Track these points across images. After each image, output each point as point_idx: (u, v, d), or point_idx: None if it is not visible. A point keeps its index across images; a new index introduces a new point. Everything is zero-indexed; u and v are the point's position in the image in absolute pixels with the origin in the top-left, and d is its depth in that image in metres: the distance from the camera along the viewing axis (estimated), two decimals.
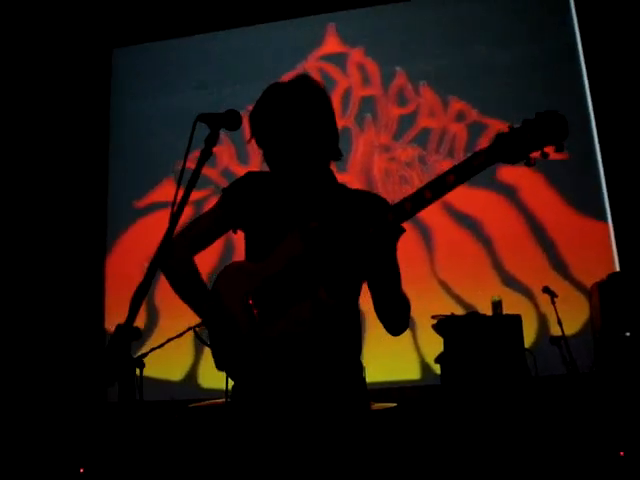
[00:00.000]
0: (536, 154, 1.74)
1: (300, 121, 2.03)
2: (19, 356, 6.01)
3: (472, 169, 1.76)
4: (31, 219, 6.59)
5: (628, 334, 4.19)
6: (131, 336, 1.62)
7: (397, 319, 2.07)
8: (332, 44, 6.83)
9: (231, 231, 2.19)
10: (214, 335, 2.03)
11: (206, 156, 1.79)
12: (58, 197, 6.75)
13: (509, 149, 1.74)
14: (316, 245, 1.90)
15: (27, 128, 6.78)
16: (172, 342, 4.12)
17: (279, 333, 1.89)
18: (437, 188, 1.79)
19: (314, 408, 1.96)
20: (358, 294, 2.10)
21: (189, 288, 2.11)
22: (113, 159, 7.01)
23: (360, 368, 2.11)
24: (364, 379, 2.12)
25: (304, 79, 2.14)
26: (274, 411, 1.96)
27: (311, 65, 6.79)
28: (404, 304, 2.06)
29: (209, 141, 1.80)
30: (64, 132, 6.91)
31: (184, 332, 3.97)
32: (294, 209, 2.07)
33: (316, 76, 7.20)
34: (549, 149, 1.73)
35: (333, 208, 2.07)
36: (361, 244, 1.82)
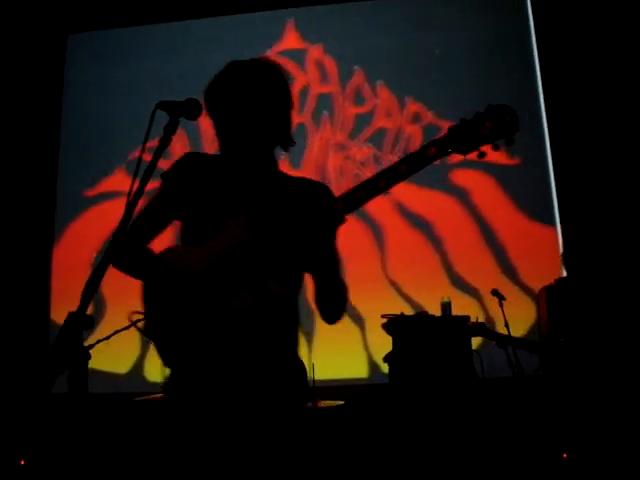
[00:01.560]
0: (487, 147, 1.76)
1: (260, 100, 2.00)
2: None
3: (424, 159, 1.77)
4: None
5: (570, 339, 4.27)
6: (83, 324, 1.58)
7: (336, 307, 2.08)
8: (291, 40, 6.81)
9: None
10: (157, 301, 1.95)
11: (165, 144, 1.76)
12: (4, 183, 6.58)
13: (460, 140, 1.75)
14: (263, 232, 1.86)
15: None
16: (119, 334, 4.05)
17: (219, 321, 1.85)
18: (389, 177, 1.80)
19: (247, 404, 1.92)
20: (300, 285, 2.09)
21: (139, 262, 2.03)
22: (63, 147, 6.87)
23: (299, 362, 2.10)
24: (305, 374, 2.12)
25: (269, 61, 2.13)
26: (206, 405, 1.92)
27: None
28: (343, 292, 2.07)
29: (168, 129, 1.77)
30: (12, 118, 6.74)
31: (130, 325, 3.90)
32: (237, 193, 2.02)
33: None
34: (499, 142, 1.75)
35: (278, 195, 2.03)
36: (310, 232, 1.81)
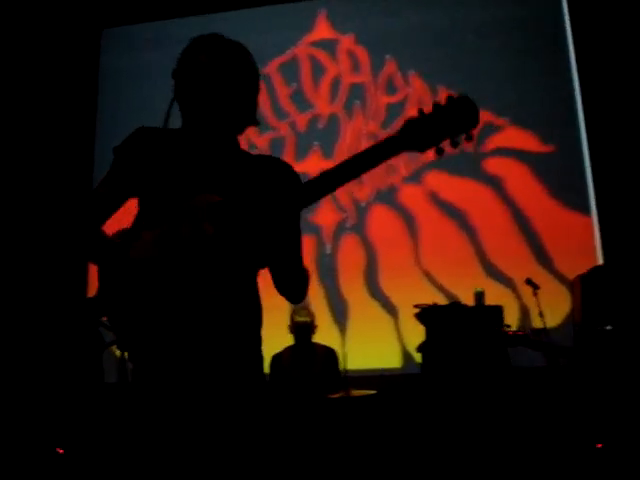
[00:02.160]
0: (446, 142, 1.65)
1: (227, 76, 1.92)
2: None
3: (380, 156, 1.68)
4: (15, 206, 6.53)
5: (608, 328, 4.21)
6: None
7: (299, 289, 1.99)
8: (323, 30, 6.80)
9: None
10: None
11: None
12: (42, 171, 6.69)
13: (418, 136, 1.65)
14: (221, 222, 1.80)
15: (13, 109, 6.71)
16: None
17: (173, 311, 1.79)
18: (342, 174, 1.70)
19: (198, 396, 1.84)
20: (255, 276, 1.98)
21: (90, 248, 1.96)
22: (101, 138, 6.97)
23: (258, 358, 1.99)
24: (262, 371, 2.01)
25: (235, 42, 2.02)
26: (161, 394, 1.85)
27: (301, 50, 6.77)
28: (305, 275, 1.99)
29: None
30: (52, 113, 6.85)
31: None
32: (195, 169, 1.94)
33: (306, 62, 7.18)
34: (459, 138, 1.65)
35: (237, 172, 1.96)
36: (271, 213, 1.75)
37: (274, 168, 2.00)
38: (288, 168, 2.01)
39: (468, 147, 6.04)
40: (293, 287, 1.98)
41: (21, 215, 6.52)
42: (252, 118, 2.02)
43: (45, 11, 6.88)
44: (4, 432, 5.19)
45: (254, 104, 2.03)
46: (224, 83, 1.92)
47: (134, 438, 1.88)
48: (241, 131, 2.04)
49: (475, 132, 1.65)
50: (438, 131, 1.62)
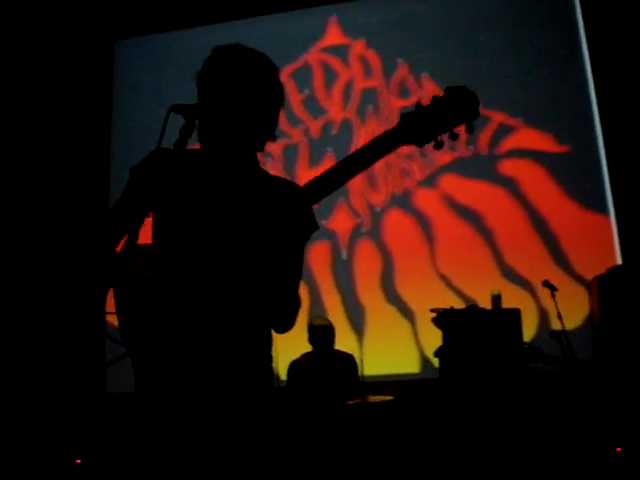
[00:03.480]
0: (445, 136, 1.61)
1: (254, 88, 1.89)
2: (20, 349, 6.00)
3: (377, 152, 1.64)
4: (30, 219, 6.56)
5: (624, 329, 4.16)
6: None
7: (288, 317, 1.91)
8: (334, 36, 6.80)
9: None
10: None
11: (181, 147, 1.74)
12: (59, 191, 6.72)
13: (416, 129, 1.61)
14: (226, 231, 1.76)
15: (29, 122, 6.76)
16: None
17: (180, 324, 1.75)
18: (341, 173, 1.67)
19: (205, 411, 1.80)
20: (262, 289, 1.88)
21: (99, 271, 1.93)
22: (115, 151, 7.01)
23: (268, 371, 1.94)
24: (272, 384, 1.95)
25: (259, 53, 1.98)
26: (168, 408, 1.82)
27: (313, 57, 6.77)
28: (298, 304, 1.92)
29: (184, 132, 1.75)
30: (66, 125, 6.89)
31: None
32: (209, 188, 1.90)
33: (318, 68, 7.17)
34: (459, 130, 1.60)
35: (251, 192, 1.90)
36: (279, 234, 1.72)
37: (284, 189, 1.92)
38: (297, 188, 1.92)
39: (483, 149, 6.01)
40: (284, 313, 1.90)
41: (36, 230, 6.55)
42: (272, 133, 1.99)
43: (58, 25, 6.92)
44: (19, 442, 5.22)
45: (275, 119, 1.99)
46: (245, 96, 1.88)
47: (140, 449, 1.86)
48: (261, 147, 2.00)
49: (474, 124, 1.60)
50: (435, 124, 1.59)
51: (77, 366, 6.09)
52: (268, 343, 1.94)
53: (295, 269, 1.90)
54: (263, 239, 1.72)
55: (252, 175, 1.96)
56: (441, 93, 1.63)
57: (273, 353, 1.96)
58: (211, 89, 1.88)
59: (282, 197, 1.76)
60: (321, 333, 5.11)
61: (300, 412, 4.87)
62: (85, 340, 6.15)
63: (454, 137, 1.59)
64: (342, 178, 1.67)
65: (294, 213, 1.71)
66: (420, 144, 1.62)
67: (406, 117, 1.61)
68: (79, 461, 4.81)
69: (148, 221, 1.99)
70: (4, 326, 6.00)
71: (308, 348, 5.16)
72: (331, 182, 1.67)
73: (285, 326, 1.93)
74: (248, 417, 1.82)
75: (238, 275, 1.74)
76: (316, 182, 1.68)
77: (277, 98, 1.98)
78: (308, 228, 1.84)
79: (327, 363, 5.11)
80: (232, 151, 1.93)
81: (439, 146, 1.61)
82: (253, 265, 1.76)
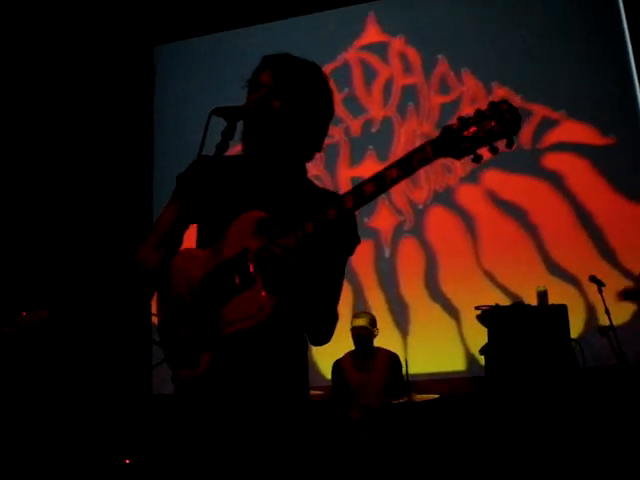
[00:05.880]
0: (484, 149, 1.59)
1: (302, 100, 1.92)
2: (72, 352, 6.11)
3: (416, 164, 1.63)
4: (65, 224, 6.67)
5: None
6: None
7: (326, 330, 1.93)
8: (373, 34, 6.78)
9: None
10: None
11: (222, 150, 1.77)
12: (102, 196, 6.82)
13: (457, 143, 1.59)
14: (267, 236, 1.76)
15: (72, 128, 6.87)
16: None
17: (224, 324, 1.77)
18: (379, 183, 1.65)
19: (242, 414, 1.81)
20: (306, 301, 1.88)
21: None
22: (157, 157, 7.09)
23: (304, 369, 1.94)
24: (307, 384, 1.95)
25: (315, 65, 2.04)
26: (205, 414, 1.83)
27: (352, 55, 6.76)
28: (335, 317, 1.93)
29: (226, 134, 1.77)
30: (108, 132, 6.99)
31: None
32: (254, 196, 1.90)
33: (357, 66, 7.14)
34: (498, 144, 1.58)
35: (295, 203, 1.91)
36: (300, 243, 1.70)
37: (322, 199, 1.91)
38: (335, 198, 1.92)
39: (526, 144, 5.94)
40: (322, 326, 1.93)
41: (82, 236, 6.65)
42: (320, 145, 2.02)
43: (99, 34, 7.02)
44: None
45: (326, 131, 2.02)
46: (294, 109, 1.91)
47: (179, 452, 1.88)
48: (310, 158, 2.03)
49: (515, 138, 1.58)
50: (476, 138, 1.57)
51: (124, 368, 6.19)
52: (304, 353, 1.95)
53: (336, 283, 1.92)
54: (307, 252, 1.72)
55: (300, 186, 1.98)
56: (483, 104, 1.61)
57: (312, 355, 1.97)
58: (265, 100, 1.90)
59: (311, 208, 1.76)
60: (359, 334, 5.12)
61: (342, 413, 4.87)
62: (132, 342, 6.25)
63: (494, 151, 1.58)
64: (381, 189, 1.66)
65: (338, 225, 1.71)
66: (459, 157, 1.60)
67: (447, 130, 1.60)
68: (128, 461, 4.88)
69: (192, 226, 2.03)
70: (54, 327, 6.12)
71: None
72: (371, 193, 1.67)
73: (322, 339, 1.95)
74: (282, 425, 1.82)
75: (279, 285, 1.75)
76: (357, 192, 1.68)
77: (329, 110, 2.01)
78: (351, 242, 1.85)
79: (370, 362, 5.11)
80: (282, 160, 1.95)
81: (478, 160, 1.59)
82: (295, 276, 1.76)
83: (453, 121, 1.61)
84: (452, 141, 1.59)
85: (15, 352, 4.87)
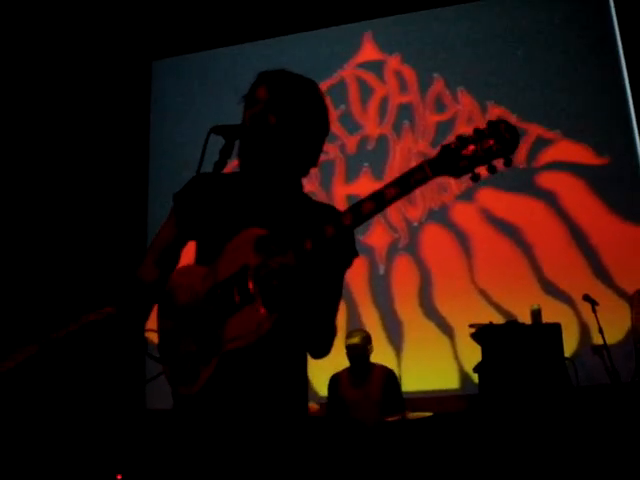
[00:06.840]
0: (483, 168, 1.59)
1: (298, 116, 1.93)
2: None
3: (415, 182, 1.63)
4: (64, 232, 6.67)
5: None
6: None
7: (325, 343, 1.94)
8: (369, 52, 6.82)
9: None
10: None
11: (220, 167, 1.78)
12: (98, 210, 6.82)
13: (455, 162, 1.59)
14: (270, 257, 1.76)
15: (67, 142, 6.88)
16: None
17: (224, 341, 1.77)
18: (378, 202, 1.66)
19: (240, 433, 1.81)
20: (306, 314, 1.89)
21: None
22: (153, 172, 7.10)
23: (303, 389, 1.95)
24: (305, 404, 1.95)
25: (312, 83, 2.05)
26: (204, 431, 1.83)
27: (348, 73, 6.80)
28: (334, 330, 1.94)
29: (224, 152, 1.79)
30: (104, 147, 7.00)
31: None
32: (252, 212, 1.91)
33: (353, 84, 7.17)
34: (496, 163, 1.58)
35: (292, 217, 1.92)
36: (299, 260, 1.70)
37: (321, 214, 1.93)
38: (335, 213, 1.92)
39: (521, 163, 5.97)
40: (321, 339, 1.93)
41: (78, 251, 6.64)
42: (315, 161, 2.02)
43: (96, 47, 7.05)
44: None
45: (321, 147, 2.02)
46: (290, 124, 1.92)
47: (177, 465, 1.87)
48: (305, 173, 2.03)
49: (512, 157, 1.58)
50: (474, 157, 1.57)
51: (117, 383, 6.16)
52: (303, 368, 1.95)
53: (334, 297, 1.92)
54: (306, 269, 1.72)
55: (297, 201, 1.99)
56: (478, 123, 1.62)
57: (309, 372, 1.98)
58: (261, 115, 1.91)
59: (309, 225, 1.76)
60: (353, 352, 5.13)
61: (338, 429, 4.86)
62: (126, 357, 6.22)
63: (492, 171, 1.58)
64: (380, 207, 1.66)
65: (336, 242, 1.71)
66: (458, 176, 1.60)
67: (446, 149, 1.60)
68: (120, 476, 4.85)
69: (190, 242, 2.04)
70: (46, 343, 6.09)
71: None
72: (369, 211, 1.67)
73: (321, 352, 1.95)
74: (281, 441, 1.82)
75: (279, 302, 1.75)
76: (355, 210, 1.67)
77: (325, 126, 2.02)
78: (349, 256, 1.85)
79: (366, 378, 5.11)
80: (278, 176, 1.96)
81: (476, 179, 1.60)
82: (294, 294, 1.77)
83: (451, 139, 1.61)
84: (451, 160, 1.59)
85: None
